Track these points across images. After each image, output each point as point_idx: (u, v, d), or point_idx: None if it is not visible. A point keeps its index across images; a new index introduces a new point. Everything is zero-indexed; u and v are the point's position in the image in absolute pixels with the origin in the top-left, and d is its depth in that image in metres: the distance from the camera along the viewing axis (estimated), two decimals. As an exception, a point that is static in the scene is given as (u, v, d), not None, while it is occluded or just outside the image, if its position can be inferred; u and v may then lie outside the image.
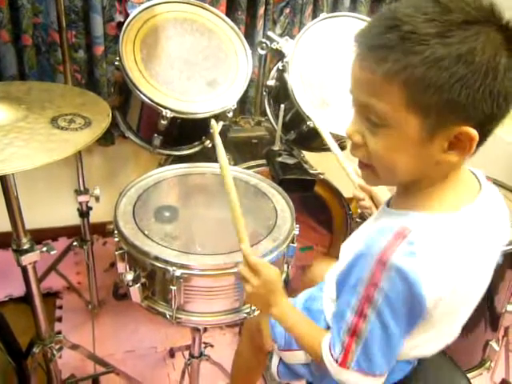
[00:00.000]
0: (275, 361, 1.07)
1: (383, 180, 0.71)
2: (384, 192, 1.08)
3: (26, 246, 1.06)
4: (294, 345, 0.99)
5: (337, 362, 0.73)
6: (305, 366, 0.99)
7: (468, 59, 0.56)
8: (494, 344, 1.59)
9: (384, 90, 0.60)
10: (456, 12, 0.57)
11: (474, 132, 0.60)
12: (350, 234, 1.76)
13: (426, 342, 0.77)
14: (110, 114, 1.01)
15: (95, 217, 1.70)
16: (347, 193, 1.69)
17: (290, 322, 0.86)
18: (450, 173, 0.68)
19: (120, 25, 1.70)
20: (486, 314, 1.47)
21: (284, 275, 1.15)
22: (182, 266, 0.97)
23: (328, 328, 0.95)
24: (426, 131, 0.61)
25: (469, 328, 0.84)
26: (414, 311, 0.66)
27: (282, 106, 1.49)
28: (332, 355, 0.74)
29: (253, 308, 1.05)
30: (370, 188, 1.09)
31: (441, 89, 0.57)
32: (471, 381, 1.02)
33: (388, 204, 0.79)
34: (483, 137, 0.62)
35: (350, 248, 0.78)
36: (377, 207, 1.08)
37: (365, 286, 0.67)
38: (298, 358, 1.00)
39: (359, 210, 1.56)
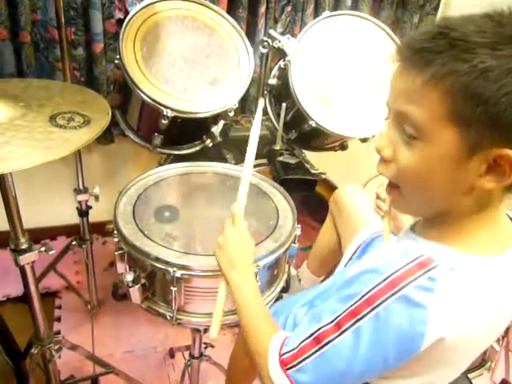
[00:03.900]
0: None
1: (409, 205, 0.66)
2: None
3: (24, 246, 1.05)
4: None
5: (281, 357, 0.65)
6: None
7: None
8: (494, 344, 1.58)
9: (425, 97, 0.56)
10: (508, 26, 0.54)
11: None
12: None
13: (440, 379, 0.71)
14: (110, 113, 1.00)
15: (94, 216, 1.68)
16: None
17: (246, 296, 0.77)
18: (486, 208, 0.62)
19: (120, 22, 1.69)
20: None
21: (285, 275, 1.14)
22: (182, 267, 0.96)
23: None
24: (464, 148, 0.56)
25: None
26: (401, 349, 0.60)
27: (284, 104, 1.48)
28: (280, 350, 0.66)
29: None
30: None
31: (486, 101, 0.52)
32: (472, 382, 1.01)
33: (412, 229, 0.71)
34: None
35: (361, 263, 0.74)
36: (393, 219, 1.01)
37: (359, 300, 0.60)
38: None
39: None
